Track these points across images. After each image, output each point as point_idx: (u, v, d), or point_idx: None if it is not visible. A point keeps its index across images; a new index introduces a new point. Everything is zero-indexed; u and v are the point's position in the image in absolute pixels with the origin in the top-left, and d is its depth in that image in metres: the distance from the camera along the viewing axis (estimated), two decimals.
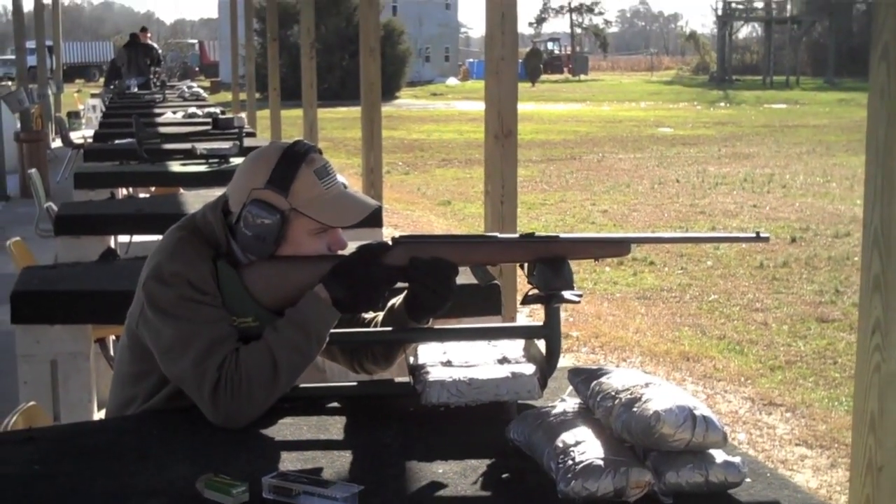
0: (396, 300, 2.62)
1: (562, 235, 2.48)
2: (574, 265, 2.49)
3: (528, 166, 18.23)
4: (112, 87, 19.25)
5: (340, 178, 2.62)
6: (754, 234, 2.54)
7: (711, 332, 7.83)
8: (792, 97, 40.59)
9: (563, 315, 7.81)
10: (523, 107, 31.14)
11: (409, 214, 13.59)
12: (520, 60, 52.65)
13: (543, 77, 58.90)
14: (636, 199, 14.70)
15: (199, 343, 2.36)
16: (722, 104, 37.81)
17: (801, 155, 20.18)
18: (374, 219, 6.07)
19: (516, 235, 2.51)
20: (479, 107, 5.74)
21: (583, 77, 64.78)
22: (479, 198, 5.88)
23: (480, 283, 2.52)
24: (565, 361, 6.63)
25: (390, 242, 2.48)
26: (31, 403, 2.83)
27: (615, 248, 2.53)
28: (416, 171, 18.48)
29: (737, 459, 1.99)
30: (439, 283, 2.46)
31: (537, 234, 2.49)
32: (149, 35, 19.86)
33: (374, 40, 8.49)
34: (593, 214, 13.34)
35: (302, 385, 2.52)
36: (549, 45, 75.99)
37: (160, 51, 21.46)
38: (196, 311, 2.39)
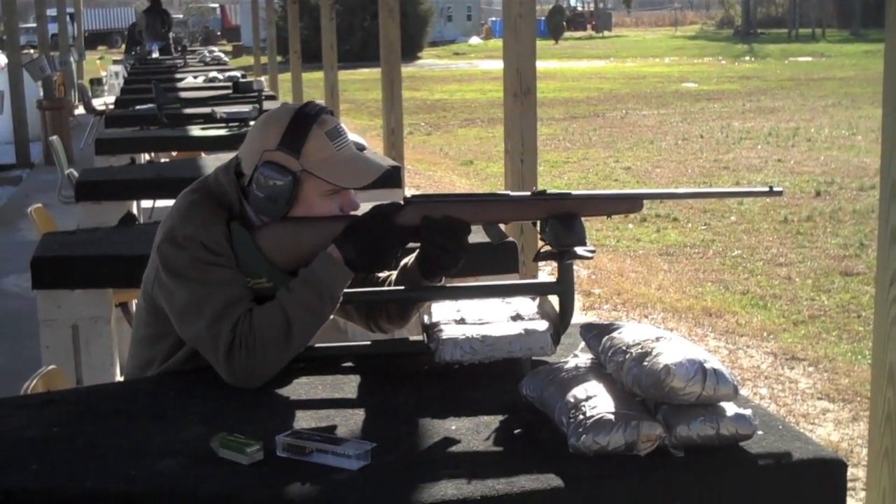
0: (409, 259, 2.63)
1: (573, 192, 2.47)
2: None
3: (550, 124, 18.17)
4: (133, 53, 19.26)
5: (354, 136, 2.62)
6: (767, 188, 2.52)
7: (734, 287, 7.81)
8: (818, 49, 40.23)
9: (584, 272, 7.77)
10: (546, 64, 30.90)
11: (430, 175, 13.58)
12: (542, 18, 52.32)
13: (566, 34, 58.55)
14: (660, 155, 14.63)
15: (214, 305, 2.38)
16: (747, 58, 37.52)
17: (827, 108, 20.03)
18: (394, 179, 6.08)
19: (528, 193, 2.50)
20: (501, 66, 5.76)
21: (606, 34, 64.36)
22: (501, 157, 5.88)
23: (493, 242, 2.51)
24: (587, 318, 6.63)
25: (402, 202, 2.48)
26: (52, 367, 2.86)
27: (627, 204, 2.52)
28: (439, 131, 18.44)
29: (747, 412, 1.99)
30: (452, 241, 2.46)
31: (549, 191, 2.49)
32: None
33: (394, 0, 8.45)
34: (616, 171, 13.29)
35: (316, 345, 2.53)
36: (572, 2, 75.44)
37: (179, 16, 21.46)
38: (210, 273, 2.41)
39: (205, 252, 2.42)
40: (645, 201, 2.53)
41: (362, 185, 2.54)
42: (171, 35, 19.79)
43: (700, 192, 2.93)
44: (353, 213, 2.56)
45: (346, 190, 2.55)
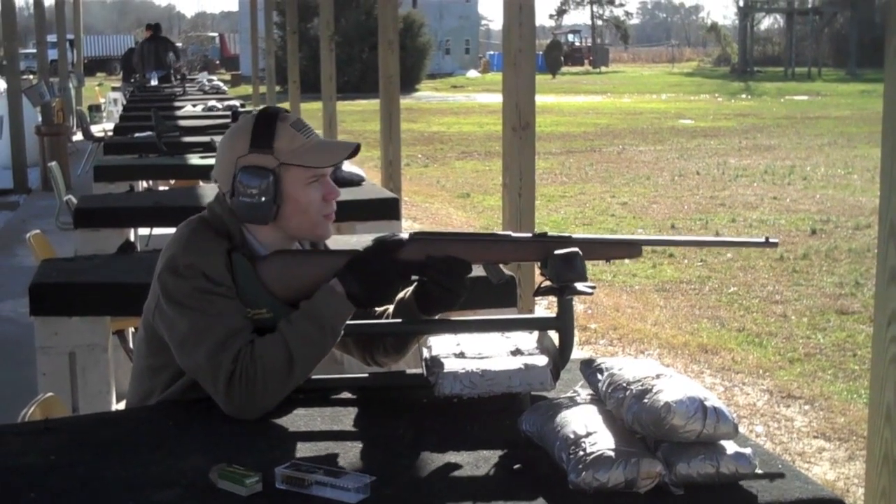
0: (406, 293, 2.63)
1: (574, 235, 2.48)
2: None
3: (547, 158, 18.21)
4: (133, 80, 19.30)
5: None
6: (763, 240, 2.53)
7: (730, 324, 7.81)
8: (814, 88, 40.42)
9: (581, 307, 7.78)
10: (543, 99, 30.99)
11: (427, 207, 13.60)
12: (540, 52, 52.57)
13: (564, 69, 58.79)
14: (656, 191, 14.67)
15: (214, 335, 2.38)
16: (743, 96, 37.68)
17: (823, 146, 20.09)
18: (392, 211, 6.09)
19: (529, 235, 2.51)
20: (499, 99, 5.79)
21: (603, 69, 64.67)
22: (498, 190, 5.90)
23: (493, 281, 2.52)
24: (583, 353, 6.63)
25: (405, 237, 2.48)
26: (49, 395, 2.86)
27: (626, 249, 2.53)
28: (436, 163, 18.48)
29: (747, 450, 1.99)
30: (454, 281, 2.48)
31: (550, 233, 2.50)
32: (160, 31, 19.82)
33: (393, 33, 8.50)
34: (613, 207, 13.32)
35: (316, 376, 2.53)
36: (570, 37, 75.84)
37: (179, 45, 21.46)
38: (210, 303, 2.41)
39: (205, 281, 2.42)
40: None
41: (339, 161, 2.60)
42: (179, 63, 19.82)
43: (697, 241, 2.94)
44: (335, 199, 2.61)
45: (325, 178, 2.58)
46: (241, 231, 2.55)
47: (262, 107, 2.70)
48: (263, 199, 2.50)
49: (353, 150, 2.59)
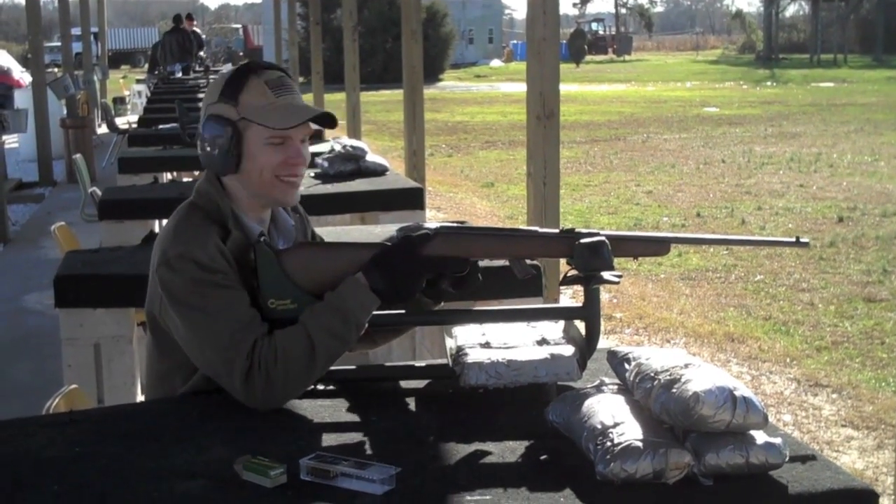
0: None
1: (603, 232, 2.44)
2: None
3: (572, 147, 18.16)
4: (157, 72, 19.34)
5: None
6: (794, 239, 2.49)
7: (757, 312, 7.76)
8: (840, 75, 40.14)
9: (606, 296, 7.76)
10: (567, 88, 30.90)
11: (452, 197, 13.58)
12: (564, 41, 52.44)
13: (588, 58, 58.61)
14: (681, 179, 14.59)
15: (220, 332, 2.35)
16: (768, 83, 37.47)
17: (849, 133, 19.95)
18: (416, 200, 6.08)
19: (556, 230, 2.48)
20: (523, 88, 5.74)
21: (627, 57, 64.42)
22: (522, 180, 5.89)
23: (519, 277, 2.49)
24: (609, 343, 6.60)
25: (431, 232, 2.45)
26: (73, 386, 2.86)
27: (655, 246, 2.50)
28: (460, 153, 18.45)
29: (778, 440, 1.96)
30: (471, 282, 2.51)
31: (577, 229, 2.46)
32: (194, 23, 19.88)
33: (416, 23, 8.47)
34: (637, 195, 13.26)
35: (340, 367, 2.51)
36: (594, 26, 75.53)
37: (204, 36, 21.46)
38: (210, 297, 2.38)
39: (199, 271, 2.39)
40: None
41: (293, 125, 2.52)
42: (201, 54, 19.85)
43: (727, 240, 2.90)
44: (299, 165, 2.56)
45: (290, 140, 2.53)
46: (232, 208, 2.53)
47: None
48: (220, 149, 2.49)
49: (321, 118, 2.55)
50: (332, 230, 4.55)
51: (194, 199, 2.56)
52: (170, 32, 19.23)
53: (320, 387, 2.46)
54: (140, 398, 4.14)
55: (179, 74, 18.17)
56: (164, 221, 7.41)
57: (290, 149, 2.54)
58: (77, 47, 26.04)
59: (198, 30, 19.92)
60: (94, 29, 26.75)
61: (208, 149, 2.51)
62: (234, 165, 2.50)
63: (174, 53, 18.62)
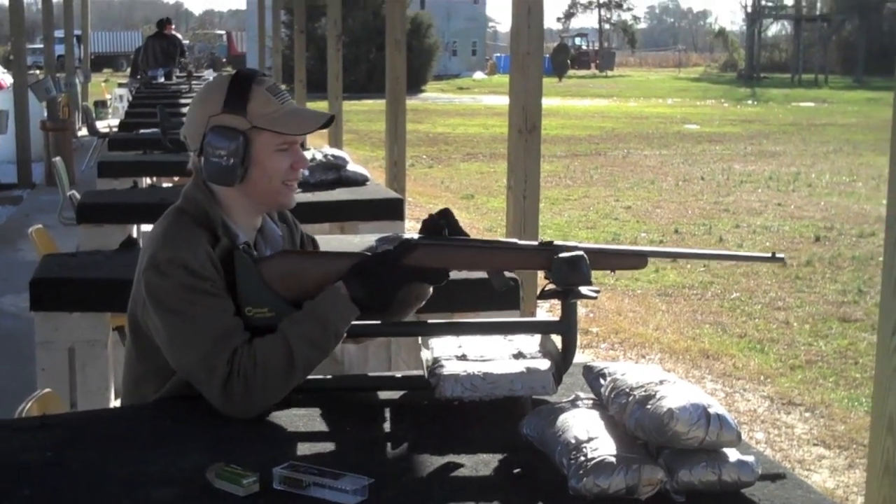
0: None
1: (580, 244, 2.45)
2: None
3: (552, 161, 18.19)
4: (139, 77, 19.25)
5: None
6: (770, 255, 2.51)
7: (732, 330, 7.80)
8: (820, 95, 40.35)
9: (583, 311, 7.74)
10: (549, 102, 30.92)
11: (431, 208, 13.56)
12: (547, 55, 52.56)
13: (570, 72, 58.75)
14: (660, 195, 14.64)
15: (204, 338, 2.35)
16: (749, 102, 37.63)
17: (828, 154, 20.06)
18: (396, 211, 6.08)
19: (536, 243, 2.49)
20: (505, 101, 5.75)
21: (610, 73, 64.60)
22: (502, 192, 5.91)
23: (497, 289, 2.50)
24: (584, 357, 6.61)
25: (411, 243, 2.45)
26: (47, 390, 2.84)
27: (633, 260, 2.50)
28: (441, 164, 18.46)
29: (750, 458, 1.97)
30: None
31: (556, 242, 2.47)
32: (172, 27, 19.77)
33: (400, 33, 8.48)
34: (616, 210, 13.30)
35: (315, 376, 2.51)
36: (577, 41, 75.74)
37: (186, 42, 21.35)
38: (197, 304, 2.38)
39: (189, 277, 2.39)
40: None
41: (311, 131, 2.57)
42: (182, 60, 19.74)
43: (703, 254, 2.90)
44: (302, 169, 2.60)
45: (294, 146, 2.56)
46: (221, 216, 2.53)
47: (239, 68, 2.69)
48: (231, 160, 2.48)
49: (327, 121, 2.58)
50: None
51: (182, 204, 2.55)
52: (153, 37, 19.14)
53: (296, 395, 2.46)
54: (114, 403, 4.12)
55: (162, 79, 18.11)
56: (144, 227, 7.39)
57: (296, 153, 2.57)
58: (60, 50, 25.96)
59: (178, 35, 19.78)
60: (77, 32, 26.66)
61: (215, 160, 2.49)
62: (242, 174, 2.50)
63: (157, 58, 18.54)
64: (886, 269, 2.74)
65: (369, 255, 2.45)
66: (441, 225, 2.49)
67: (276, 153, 2.52)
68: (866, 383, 6.41)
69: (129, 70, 25.10)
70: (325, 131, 11.51)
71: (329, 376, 2.59)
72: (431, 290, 2.66)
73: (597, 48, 74.30)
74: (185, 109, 11.99)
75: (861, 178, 16.33)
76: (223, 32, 71.31)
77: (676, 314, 8.27)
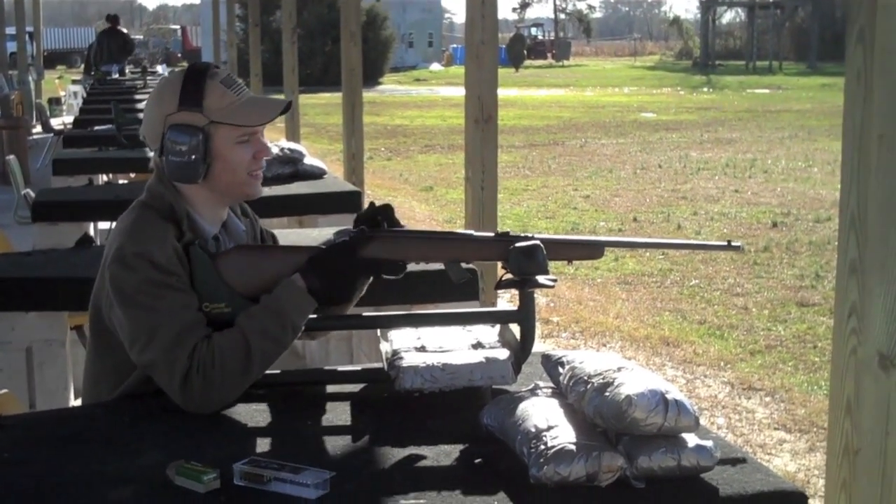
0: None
1: (536, 235, 2.46)
2: None
3: (510, 152, 18.22)
4: (93, 73, 19.06)
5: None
6: (726, 243, 2.53)
7: (692, 316, 7.84)
8: (775, 82, 40.64)
9: (543, 300, 7.76)
10: (506, 92, 30.93)
11: (390, 200, 13.44)
12: (503, 46, 52.54)
13: (527, 62, 58.83)
14: (618, 184, 14.70)
15: (167, 332, 2.34)
16: (705, 89, 37.83)
17: (784, 140, 20.21)
18: (354, 205, 6.07)
19: (492, 234, 2.50)
20: (462, 92, 5.75)
21: (566, 62, 64.75)
22: (461, 183, 5.93)
23: (454, 280, 2.50)
24: (545, 346, 6.63)
25: (367, 235, 2.45)
26: (4, 391, 2.82)
27: (589, 250, 2.52)
28: (399, 156, 18.45)
29: (709, 443, 1.98)
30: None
31: (511, 233, 2.48)
32: (119, 24, 19.45)
33: (355, 25, 8.45)
34: (575, 200, 13.34)
35: (275, 370, 2.50)
36: (533, 31, 75.83)
37: (140, 37, 21.06)
38: (161, 298, 2.37)
39: (154, 271, 2.38)
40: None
41: (269, 120, 2.55)
42: (128, 58, 19.50)
43: (659, 243, 2.91)
44: (264, 157, 2.58)
45: (255, 136, 2.55)
46: (187, 210, 2.51)
47: (192, 63, 2.67)
48: (193, 157, 2.47)
49: (284, 108, 2.57)
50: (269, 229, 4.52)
51: (146, 199, 2.54)
52: (105, 32, 18.91)
53: (256, 390, 2.45)
54: (73, 403, 4.09)
55: (116, 75, 17.97)
56: (100, 224, 7.30)
57: (258, 143, 2.56)
58: (12, 47, 25.68)
59: (124, 30, 19.44)
60: (29, 28, 26.40)
61: (176, 159, 2.47)
62: (204, 171, 2.49)
63: (112, 54, 18.34)
64: (841, 253, 2.76)
65: (325, 247, 2.45)
66: (377, 220, 2.49)
67: (237, 145, 2.51)
68: (825, 367, 6.46)
69: (83, 66, 24.85)
70: (281, 125, 11.47)
71: (289, 370, 2.58)
72: (371, 278, 2.63)
73: (553, 38, 74.43)
74: (140, 105, 11.92)
75: (817, 164, 16.47)
76: (178, 27, 70.88)
77: (636, 302, 8.31)
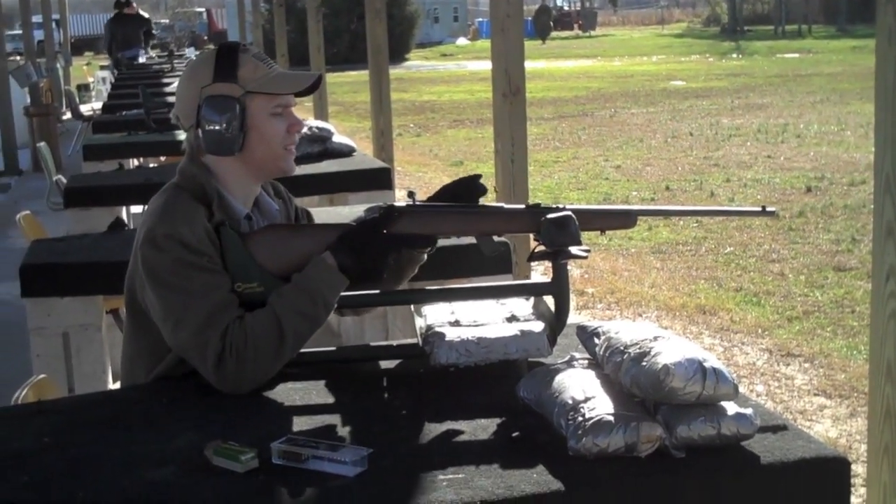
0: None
1: (567, 206, 2.45)
2: None
3: (540, 124, 18.15)
4: (117, 64, 18.88)
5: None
6: (760, 208, 2.51)
7: (728, 284, 7.79)
8: (805, 46, 40.26)
9: (577, 271, 7.73)
10: (534, 64, 30.82)
11: (420, 176, 13.55)
12: (529, 18, 52.25)
13: (553, 34, 58.55)
14: (649, 153, 14.62)
15: (199, 313, 2.34)
16: (734, 55, 37.52)
17: (815, 104, 20.02)
18: (384, 181, 6.06)
19: (522, 206, 2.48)
20: (489, 66, 5.73)
21: (593, 33, 64.37)
22: (490, 157, 5.91)
23: (486, 254, 2.49)
24: (580, 318, 6.61)
25: (397, 210, 2.45)
26: (42, 376, 2.83)
27: (621, 219, 2.51)
28: (428, 132, 18.41)
29: (748, 411, 1.96)
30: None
31: (543, 204, 2.46)
32: (134, 6, 19.21)
33: (380, 2, 8.43)
34: (606, 170, 13.28)
35: (311, 349, 2.50)
36: (559, 2, 75.42)
37: (152, 22, 20.81)
38: (192, 278, 2.37)
39: (186, 252, 2.38)
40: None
41: (303, 89, 2.56)
42: (150, 43, 19.28)
43: (693, 210, 2.88)
44: (297, 132, 2.60)
45: (288, 109, 2.57)
46: (218, 189, 2.51)
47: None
48: (229, 128, 2.48)
49: (316, 81, 2.57)
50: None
51: (178, 181, 2.54)
52: (114, 20, 18.59)
53: (291, 369, 2.45)
54: (111, 386, 4.11)
55: (143, 59, 17.95)
56: (132, 208, 7.35)
57: (291, 116, 2.58)
58: (39, 35, 25.79)
59: (134, 12, 19.10)
60: (55, 16, 26.51)
61: (215, 128, 2.49)
62: (241, 142, 2.49)
63: (127, 39, 18.13)
64: (877, 216, 2.73)
65: (355, 224, 2.44)
66: (462, 191, 2.51)
67: (271, 117, 2.53)
68: (864, 331, 6.41)
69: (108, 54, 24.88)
70: (309, 104, 11.45)
71: (324, 349, 2.58)
72: (425, 256, 2.65)
73: (579, 8, 73.94)
74: (167, 89, 11.93)
75: (849, 127, 16.31)
76: (203, 10, 70.91)
77: (671, 271, 8.26)
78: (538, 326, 2.40)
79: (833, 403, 5.40)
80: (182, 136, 7.73)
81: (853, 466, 4.39)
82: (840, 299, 7.25)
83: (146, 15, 19.32)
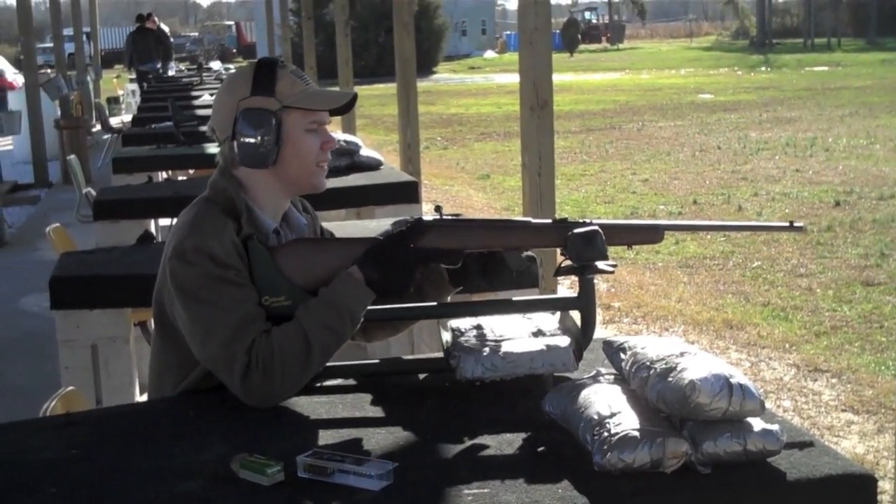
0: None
1: (594, 220, 2.45)
2: None
3: (567, 137, 18.15)
4: (145, 71, 18.94)
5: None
6: (788, 223, 2.51)
7: (755, 298, 7.76)
8: (834, 59, 40.13)
9: (604, 286, 7.71)
10: (562, 77, 30.85)
11: (447, 189, 13.57)
12: (557, 31, 52.27)
13: (581, 47, 58.57)
14: (677, 167, 14.59)
15: (226, 326, 2.35)
16: (762, 68, 37.44)
17: (844, 117, 19.94)
18: (411, 194, 6.07)
19: (549, 220, 2.49)
20: (517, 79, 5.74)
21: (621, 46, 64.37)
22: (518, 171, 5.90)
23: (513, 268, 2.49)
24: (607, 332, 6.60)
25: (424, 224, 2.45)
26: (70, 388, 2.85)
27: (648, 234, 2.51)
28: (455, 145, 18.44)
29: (775, 427, 1.96)
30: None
31: (570, 219, 2.47)
32: (156, 20, 19.25)
33: (408, 15, 8.46)
34: (634, 184, 13.25)
35: (336, 363, 2.50)
36: (587, 15, 75.46)
37: (171, 39, 20.79)
38: (220, 292, 2.38)
39: (214, 265, 2.39)
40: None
41: (340, 105, 2.60)
42: (171, 57, 19.29)
43: (720, 226, 2.89)
44: (329, 146, 2.61)
45: (322, 126, 2.59)
46: (247, 203, 2.53)
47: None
48: (265, 140, 2.50)
49: (351, 100, 2.61)
50: (328, 226, 4.54)
51: (209, 195, 2.56)
52: (137, 32, 18.64)
53: (317, 382, 2.46)
54: (139, 398, 4.14)
55: (172, 72, 18.06)
56: (160, 221, 7.38)
57: (325, 134, 2.61)
58: (70, 48, 26.00)
59: (156, 27, 19.10)
60: (86, 29, 26.72)
61: (250, 141, 2.51)
62: (275, 155, 2.52)
63: (149, 52, 18.20)
64: None
65: (382, 239, 2.45)
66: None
67: (306, 133, 2.55)
68: (892, 347, 6.38)
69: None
70: (338, 117, 11.50)
71: (350, 363, 2.59)
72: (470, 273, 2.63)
73: (607, 21, 73.97)
74: (197, 102, 11.98)
75: (878, 141, 16.23)
76: (232, 23, 71.36)
77: (698, 285, 8.24)
78: (564, 341, 2.40)
79: (860, 419, 5.37)
80: (212, 149, 7.78)
81: (880, 483, 4.38)
82: (868, 314, 7.21)
83: (167, 30, 19.40)
